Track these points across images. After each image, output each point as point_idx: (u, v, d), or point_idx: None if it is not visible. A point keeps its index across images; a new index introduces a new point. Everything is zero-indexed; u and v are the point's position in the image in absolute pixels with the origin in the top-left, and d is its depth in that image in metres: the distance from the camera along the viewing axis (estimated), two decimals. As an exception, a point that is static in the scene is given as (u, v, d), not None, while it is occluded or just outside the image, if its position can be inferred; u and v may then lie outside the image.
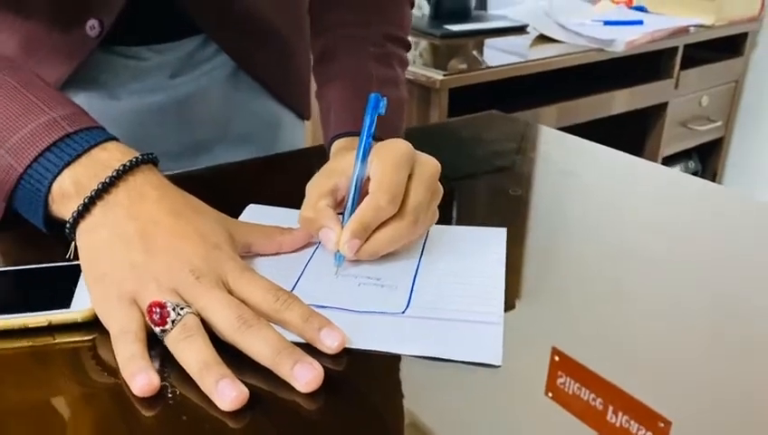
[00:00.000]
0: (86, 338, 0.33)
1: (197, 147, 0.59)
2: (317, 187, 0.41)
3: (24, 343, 0.33)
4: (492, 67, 1.15)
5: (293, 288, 0.37)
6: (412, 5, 0.60)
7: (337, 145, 0.48)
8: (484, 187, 0.54)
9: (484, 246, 0.42)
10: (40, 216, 0.37)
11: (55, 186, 0.36)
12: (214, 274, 0.34)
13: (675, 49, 1.39)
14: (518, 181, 0.53)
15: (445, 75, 1.06)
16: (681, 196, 0.53)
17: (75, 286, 0.36)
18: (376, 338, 0.33)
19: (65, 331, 0.34)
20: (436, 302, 0.36)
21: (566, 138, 0.64)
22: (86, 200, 0.36)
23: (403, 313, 0.35)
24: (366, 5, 0.56)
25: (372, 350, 0.32)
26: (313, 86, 0.58)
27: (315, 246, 0.41)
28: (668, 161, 1.58)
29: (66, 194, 0.36)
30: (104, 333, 0.33)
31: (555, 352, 0.32)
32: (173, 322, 0.32)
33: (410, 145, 0.41)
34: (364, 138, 0.41)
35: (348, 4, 0.56)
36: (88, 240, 0.36)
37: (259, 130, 0.63)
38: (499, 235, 0.43)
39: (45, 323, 0.34)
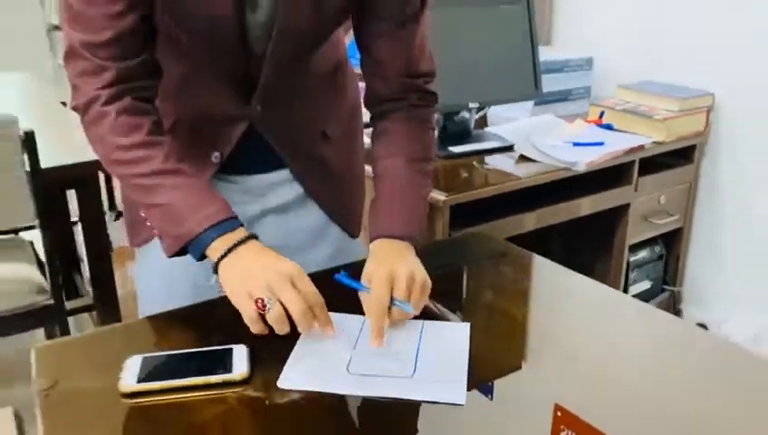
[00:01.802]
0: (244, 391, 0.69)
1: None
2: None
3: (203, 392, 0.69)
4: (487, 186, 1.51)
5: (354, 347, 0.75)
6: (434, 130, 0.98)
7: (378, 244, 0.85)
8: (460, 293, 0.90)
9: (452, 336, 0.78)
10: (198, 255, 0.77)
11: (213, 244, 0.76)
12: (290, 282, 0.72)
13: (633, 162, 1.76)
14: (491, 287, 0.89)
15: (447, 196, 1.43)
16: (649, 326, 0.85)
17: (231, 359, 0.72)
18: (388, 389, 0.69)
19: (228, 386, 0.70)
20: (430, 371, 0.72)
21: (533, 258, 1.00)
22: (225, 252, 0.76)
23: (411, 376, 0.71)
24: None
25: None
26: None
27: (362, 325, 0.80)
28: (636, 248, 1.92)
29: (217, 248, 0.76)
30: (257, 389, 0.69)
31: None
32: (268, 309, 0.71)
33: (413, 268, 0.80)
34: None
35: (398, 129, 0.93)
36: (226, 272, 0.76)
37: (314, 241, 0.99)
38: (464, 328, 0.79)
39: (221, 381, 0.70)
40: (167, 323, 0.83)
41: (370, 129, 0.98)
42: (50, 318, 1.60)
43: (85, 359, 0.77)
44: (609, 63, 2.13)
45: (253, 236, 0.78)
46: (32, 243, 1.73)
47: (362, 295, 0.81)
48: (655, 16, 2.03)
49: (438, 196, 1.43)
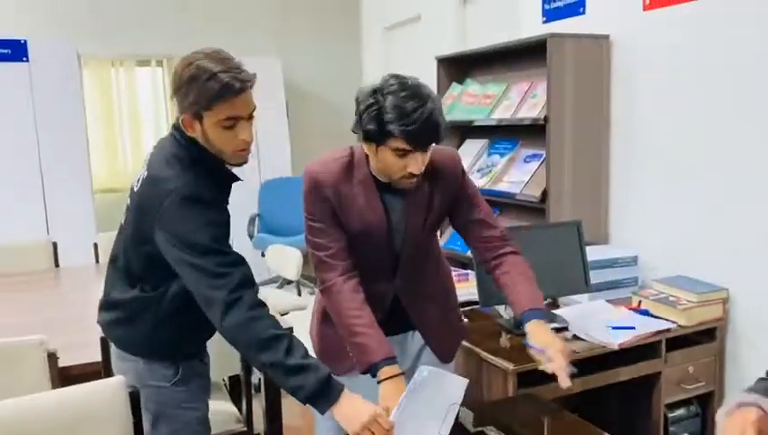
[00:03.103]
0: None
1: None
2: None
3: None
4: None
5: None
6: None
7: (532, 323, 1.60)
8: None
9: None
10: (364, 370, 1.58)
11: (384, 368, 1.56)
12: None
13: (661, 341, 2.36)
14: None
15: (514, 366, 2.11)
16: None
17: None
18: None
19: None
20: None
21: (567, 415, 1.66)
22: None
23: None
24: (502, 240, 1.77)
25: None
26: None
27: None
28: (672, 407, 2.47)
29: (386, 371, 1.57)
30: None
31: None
32: None
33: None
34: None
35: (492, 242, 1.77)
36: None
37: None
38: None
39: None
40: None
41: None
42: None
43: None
44: (653, 260, 2.78)
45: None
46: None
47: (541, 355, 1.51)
48: (688, 221, 2.68)
49: (508, 365, 2.12)
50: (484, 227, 1.76)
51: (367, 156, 1.63)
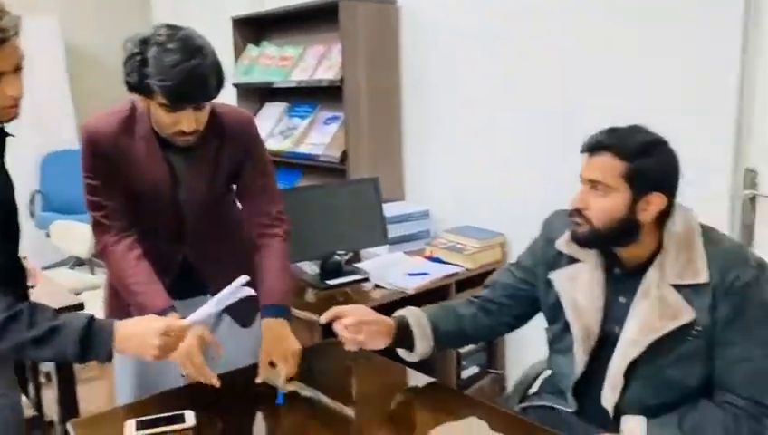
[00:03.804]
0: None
1: None
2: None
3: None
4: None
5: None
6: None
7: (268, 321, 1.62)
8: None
9: None
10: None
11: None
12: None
13: (451, 284, 2.59)
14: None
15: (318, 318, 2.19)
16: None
17: (186, 413, 1.43)
18: None
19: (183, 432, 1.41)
20: None
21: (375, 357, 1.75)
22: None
23: None
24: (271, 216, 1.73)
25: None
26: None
27: None
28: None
29: None
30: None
31: None
32: None
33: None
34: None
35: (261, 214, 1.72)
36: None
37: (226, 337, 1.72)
38: None
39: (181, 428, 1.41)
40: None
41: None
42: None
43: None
44: (443, 213, 3.02)
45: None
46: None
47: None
48: (472, 177, 2.94)
49: (313, 317, 2.19)
50: (264, 200, 1.73)
51: (149, 111, 1.56)
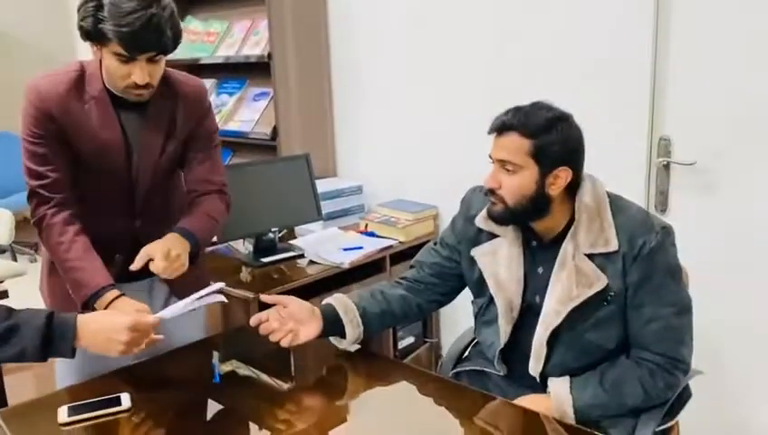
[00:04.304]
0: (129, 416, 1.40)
1: None
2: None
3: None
4: (286, 283, 2.28)
5: None
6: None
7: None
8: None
9: None
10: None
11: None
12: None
13: (384, 257, 2.63)
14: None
15: (254, 295, 2.19)
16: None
17: (122, 396, 1.42)
18: None
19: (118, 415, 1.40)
20: None
21: None
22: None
23: None
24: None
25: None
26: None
27: None
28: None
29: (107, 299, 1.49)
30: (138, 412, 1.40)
31: None
32: None
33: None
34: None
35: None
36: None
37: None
38: None
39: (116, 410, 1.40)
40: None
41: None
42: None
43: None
44: (376, 188, 3.05)
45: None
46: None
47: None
48: (404, 152, 2.97)
49: (248, 294, 2.19)
50: (208, 169, 1.72)
51: (101, 70, 1.52)
